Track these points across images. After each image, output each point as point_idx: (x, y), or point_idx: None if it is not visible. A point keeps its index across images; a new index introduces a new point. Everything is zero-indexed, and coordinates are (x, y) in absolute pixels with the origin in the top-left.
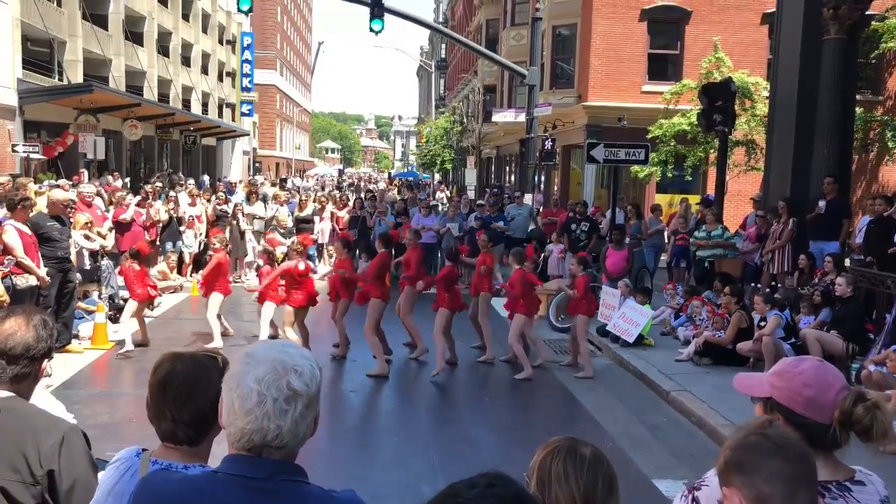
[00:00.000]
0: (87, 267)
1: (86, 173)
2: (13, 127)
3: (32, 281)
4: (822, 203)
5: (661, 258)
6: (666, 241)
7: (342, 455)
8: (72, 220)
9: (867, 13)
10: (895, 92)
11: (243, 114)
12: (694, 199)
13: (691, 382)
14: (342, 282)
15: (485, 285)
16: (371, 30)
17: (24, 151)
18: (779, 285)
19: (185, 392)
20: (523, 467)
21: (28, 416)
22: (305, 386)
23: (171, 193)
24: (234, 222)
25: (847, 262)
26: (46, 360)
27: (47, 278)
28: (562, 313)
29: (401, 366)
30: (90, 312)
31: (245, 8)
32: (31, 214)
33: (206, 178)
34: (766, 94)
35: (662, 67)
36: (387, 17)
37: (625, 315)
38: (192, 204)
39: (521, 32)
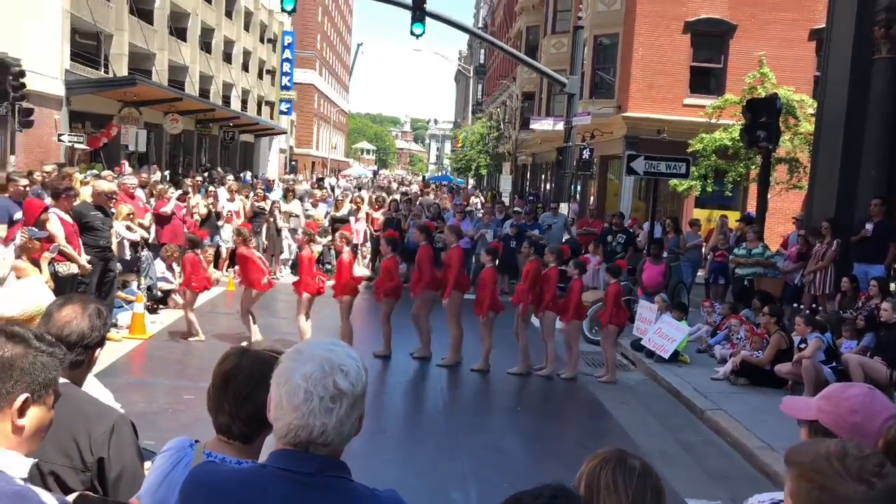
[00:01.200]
0: (128, 257)
1: (126, 164)
2: (59, 117)
3: (74, 269)
4: (868, 226)
5: (699, 274)
6: (704, 257)
7: (375, 456)
8: (114, 210)
9: None
10: None
11: (281, 112)
12: (733, 216)
13: (727, 402)
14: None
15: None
16: (412, 33)
17: (70, 141)
18: (819, 307)
19: (246, 388)
20: (554, 478)
21: (81, 403)
22: (351, 385)
23: (211, 188)
24: (271, 219)
25: (893, 287)
26: (98, 349)
27: (88, 266)
28: (596, 325)
29: (434, 371)
30: (129, 302)
31: (289, 8)
32: (74, 204)
33: (248, 174)
34: (811, 111)
35: (705, 81)
36: (427, 20)
37: (660, 330)
38: (231, 199)
39: (561, 41)
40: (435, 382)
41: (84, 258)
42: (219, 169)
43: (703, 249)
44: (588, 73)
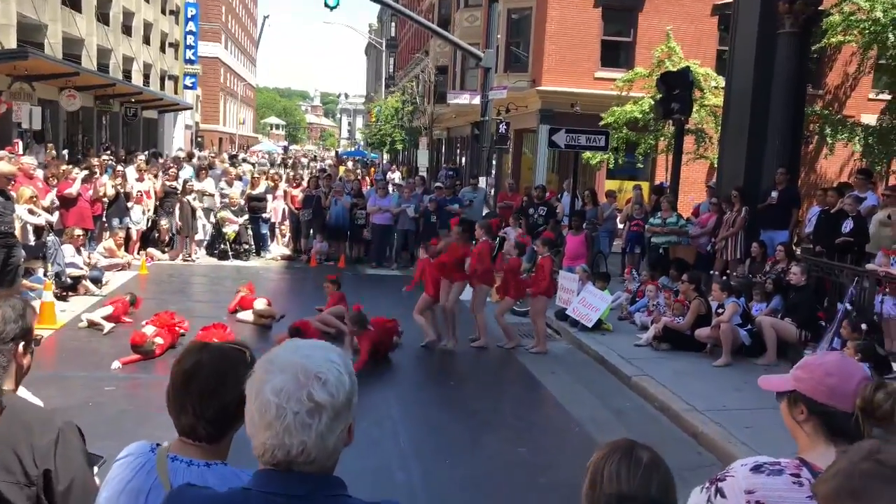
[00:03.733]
0: (32, 243)
1: (20, 144)
2: None
3: None
4: (774, 193)
5: (615, 244)
6: (620, 226)
7: None
8: (13, 193)
9: (820, 8)
10: (834, 87)
11: (186, 87)
12: (645, 187)
13: (652, 367)
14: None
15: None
16: (326, 5)
17: None
18: (731, 273)
19: (210, 386)
20: (491, 454)
21: (19, 411)
22: (330, 396)
23: (119, 168)
24: (185, 199)
25: (798, 251)
26: (23, 347)
27: None
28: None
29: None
30: (34, 290)
31: None
32: None
33: (166, 153)
34: (714, 84)
35: (615, 54)
36: None
37: (584, 300)
38: (140, 179)
39: (474, 14)
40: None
41: None
42: (121, 148)
43: (618, 219)
44: (502, 47)
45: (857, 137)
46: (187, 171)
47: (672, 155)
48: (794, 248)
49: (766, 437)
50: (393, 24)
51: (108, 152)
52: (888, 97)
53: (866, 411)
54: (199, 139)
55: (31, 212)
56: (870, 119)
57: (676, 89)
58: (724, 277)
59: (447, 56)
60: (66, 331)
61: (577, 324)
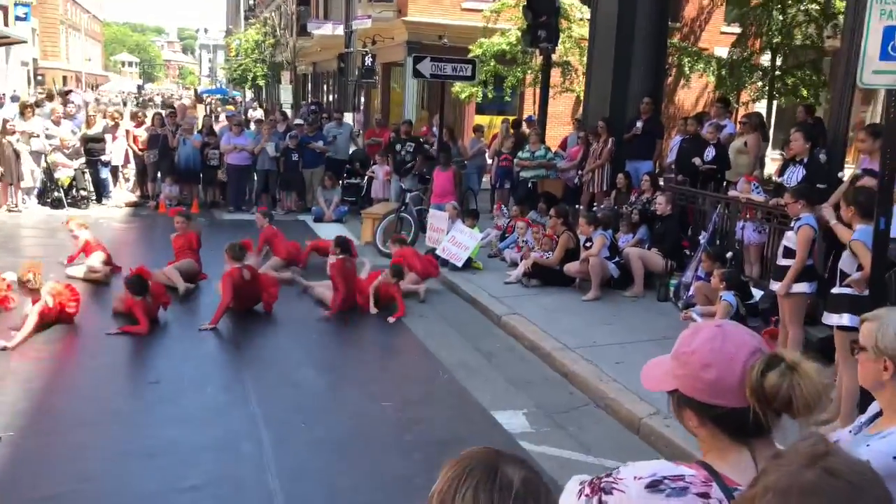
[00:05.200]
0: None
1: None
2: None
3: None
4: (639, 123)
5: (483, 180)
6: (489, 162)
7: (150, 414)
8: None
9: None
10: (691, 19)
11: (18, 17)
12: (512, 119)
13: (522, 305)
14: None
15: None
16: None
17: None
18: (597, 205)
19: None
20: (353, 411)
21: None
22: None
23: None
24: (6, 141)
25: (660, 181)
26: None
27: None
28: (388, 238)
29: (208, 304)
30: None
31: None
32: None
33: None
34: (579, 15)
35: None
36: None
37: (454, 238)
38: None
39: None
40: (204, 321)
41: None
42: None
43: (487, 154)
44: None
45: (711, 69)
46: (10, 111)
47: (539, 87)
48: (658, 177)
49: (636, 372)
50: None
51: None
52: (738, 30)
53: (761, 401)
54: (39, 77)
55: None
56: (722, 52)
57: (543, 16)
58: (592, 211)
59: None
60: None
61: (447, 263)
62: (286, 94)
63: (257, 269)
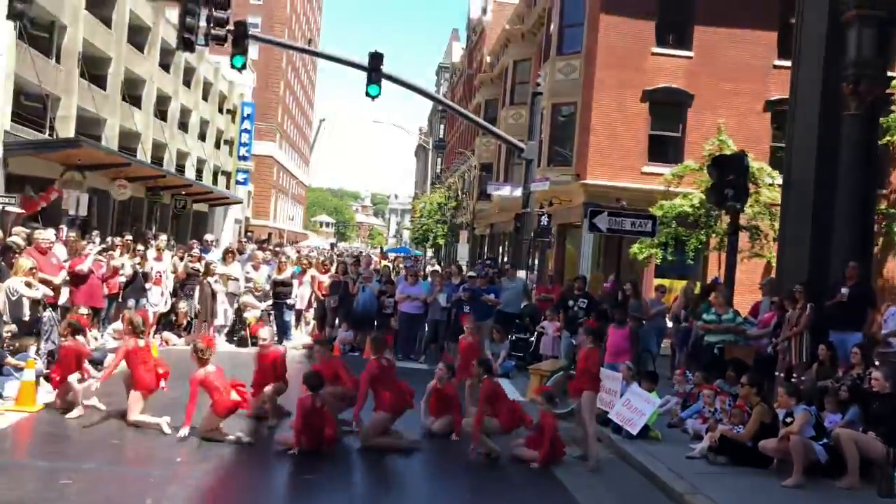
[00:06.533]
0: (27, 318)
1: (65, 230)
2: None
3: None
4: (844, 290)
5: (663, 345)
6: (669, 324)
7: None
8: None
9: (888, 91)
10: None
11: (238, 182)
12: (697, 287)
13: (707, 485)
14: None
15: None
16: (367, 94)
17: (0, 203)
18: (796, 377)
19: None
20: None
21: None
22: None
23: (139, 248)
24: (205, 281)
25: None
26: None
27: None
28: (557, 396)
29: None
30: (20, 369)
31: (238, 65)
32: None
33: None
34: (769, 180)
35: (663, 149)
36: (389, 99)
37: (629, 402)
38: (159, 259)
39: (519, 111)
40: (369, 470)
41: None
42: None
43: (668, 317)
44: (546, 142)
45: None
46: (215, 255)
47: (726, 249)
48: (870, 350)
49: None
50: (441, 125)
51: (132, 232)
52: None
53: None
54: (249, 234)
55: (28, 284)
56: None
57: (730, 175)
58: (792, 381)
59: (492, 153)
60: (44, 414)
61: (621, 430)
62: (463, 251)
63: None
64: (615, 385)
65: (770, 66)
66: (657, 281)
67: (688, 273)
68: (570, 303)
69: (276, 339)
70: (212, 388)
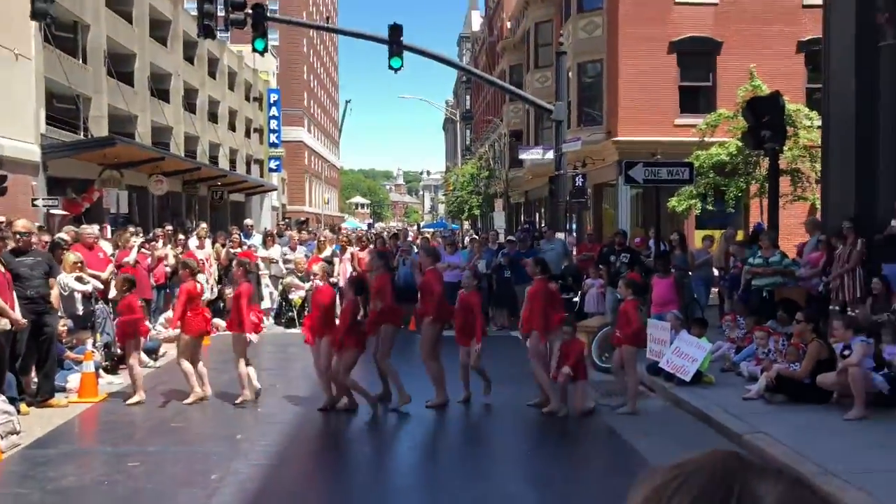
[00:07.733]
0: (80, 312)
1: (109, 228)
2: (37, 183)
3: (5, 324)
4: (894, 223)
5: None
6: (715, 273)
7: None
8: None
9: None
10: None
11: (271, 169)
12: (740, 235)
13: (767, 423)
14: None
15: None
16: (390, 66)
17: (44, 205)
18: (851, 310)
19: None
20: None
21: None
22: None
23: (180, 237)
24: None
25: None
26: None
27: (23, 321)
28: (605, 352)
29: (420, 414)
30: (79, 362)
31: (260, 48)
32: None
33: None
34: (807, 122)
35: (695, 100)
36: (412, 77)
37: (679, 350)
38: (201, 247)
39: (545, 74)
40: (417, 426)
41: (17, 312)
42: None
43: (714, 267)
44: (575, 102)
45: None
46: (256, 239)
47: (768, 191)
48: None
49: None
50: (468, 96)
51: (173, 224)
52: None
53: None
54: (287, 220)
55: (78, 279)
56: None
57: (766, 116)
58: (848, 314)
59: (521, 119)
60: (107, 404)
61: (673, 377)
62: (499, 220)
63: None
64: (664, 334)
65: (800, 6)
66: (697, 234)
67: (729, 222)
68: (612, 258)
69: (328, 274)
70: (195, 299)
